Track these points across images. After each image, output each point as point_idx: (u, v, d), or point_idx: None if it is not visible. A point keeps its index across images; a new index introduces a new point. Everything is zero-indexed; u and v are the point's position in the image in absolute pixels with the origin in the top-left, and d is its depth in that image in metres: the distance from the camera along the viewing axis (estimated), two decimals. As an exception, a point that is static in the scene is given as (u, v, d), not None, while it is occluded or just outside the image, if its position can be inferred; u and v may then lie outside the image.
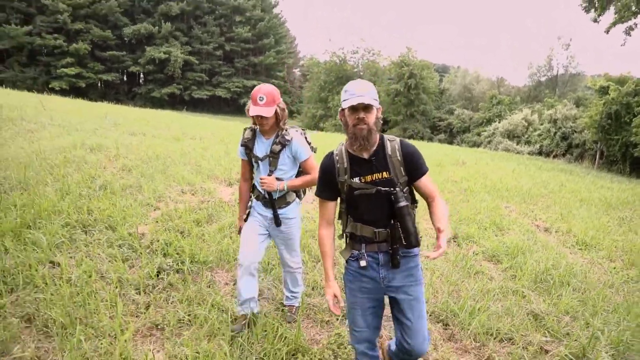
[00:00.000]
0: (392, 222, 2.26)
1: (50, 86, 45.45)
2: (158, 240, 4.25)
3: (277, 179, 3.05)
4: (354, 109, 2.19)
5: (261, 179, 3.03)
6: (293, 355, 2.80)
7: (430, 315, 3.55)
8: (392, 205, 2.23)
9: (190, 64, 56.02)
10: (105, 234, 4.24)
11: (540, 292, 4.16)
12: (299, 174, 3.18)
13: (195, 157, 8.33)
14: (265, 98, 2.89)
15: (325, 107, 47.46)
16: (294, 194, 3.23)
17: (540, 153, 32.26)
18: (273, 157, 3.05)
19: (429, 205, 2.35)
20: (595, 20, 23.20)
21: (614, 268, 5.25)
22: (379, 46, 79.77)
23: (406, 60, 44.42)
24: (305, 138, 3.19)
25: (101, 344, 2.61)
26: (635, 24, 22.73)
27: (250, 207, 3.25)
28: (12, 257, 3.48)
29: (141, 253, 3.97)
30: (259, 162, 3.09)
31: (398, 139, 2.35)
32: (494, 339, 3.28)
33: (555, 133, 32.11)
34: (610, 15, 22.88)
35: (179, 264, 3.84)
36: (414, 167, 2.30)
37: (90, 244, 4.01)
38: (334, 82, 48.33)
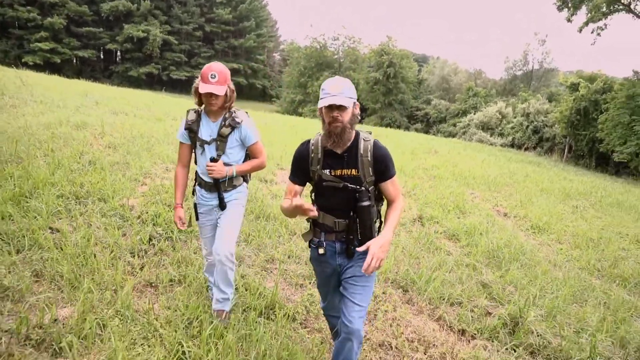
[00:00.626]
0: (352, 214, 2.41)
1: (23, 60, 44.22)
2: (147, 212, 4.60)
3: (225, 164, 2.95)
4: (329, 107, 2.31)
5: (208, 165, 2.90)
6: (271, 309, 3.24)
7: (392, 283, 4.03)
8: (356, 201, 2.38)
9: (169, 44, 55.29)
10: (97, 205, 4.57)
11: (491, 266, 4.70)
12: (245, 158, 3.11)
13: (178, 137, 8.61)
14: (217, 76, 2.80)
15: (305, 92, 47.67)
16: (241, 178, 3.11)
17: (512, 145, 33.24)
18: (221, 140, 2.93)
19: (388, 205, 2.51)
20: (568, 20, 23.99)
21: (561, 249, 5.84)
22: (361, 35, 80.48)
23: (386, 49, 44.86)
24: None
25: (104, 295, 2.99)
26: (606, 25, 23.61)
27: (195, 203, 3.14)
28: (15, 222, 3.81)
29: (132, 222, 4.33)
30: (205, 145, 2.95)
31: (372, 140, 2.45)
32: (446, 302, 3.79)
33: (527, 126, 33.12)
34: (583, 14, 23.71)
35: (169, 232, 4.22)
36: (382, 170, 2.42)
37: (84, 213, 4.34)
38: (313, 67, 48.54)
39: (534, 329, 3.46)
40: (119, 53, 57.84)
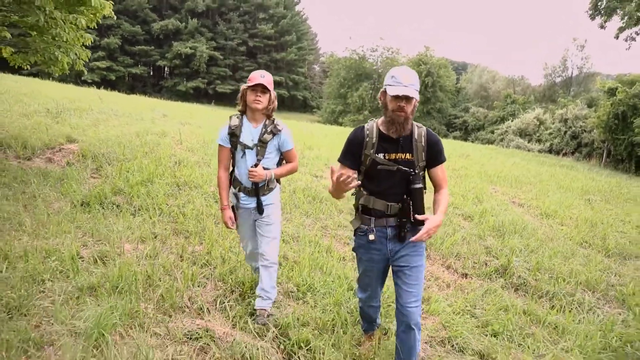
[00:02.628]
0: (405, 198, 2.50)
1: (82, 78, 47.93)
2: (230, 196, 6.15)
3: (264, 168, 3.14)
4: (397, 96, 2.36)
5: (250, 170, 3.07)
6: (328, 252, 4.66)
7: (415, 244, 5.38)
8: (408, 184, 2.48)
9: (214, 59, 58.19)
10: (194, 190, 6.15)
11: (494, 236, 5.95)
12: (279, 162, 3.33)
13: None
14: (266, 76, 3.07)
15: (345, 103, 49.09)
16: (275, 181, 3.31)
17: (550, 151, 33.45)
18: (261, 146, 3.12)
19: (436, 192, 2.62)
20: (601, 27, 24.48)
21: (562, 229, 6.99)
22: (401, 46, 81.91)
23: (424, 59, 45.86)
24: None
25: (218, 241, 4.50)
26: (642, 30, 23.93)
27: (233, 205, 3.31)
28: (145, 199, 5.41)
29: (222, 202, 5.87)
30: (246, 150, 3.12)
31: (425, 127, 2.57)
32: (454, 257, 5.10)
33: (565, 132, 33.25)
34: (618, 20, 24.11)
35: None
36: (435, 154, 2.56)
37: (187, 195, 5.92)
38: (353, 78, 49.93)
39: (519, 274, 4.74)
40: (167, 69, 61.30)
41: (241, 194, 3.22)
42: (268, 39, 61.71)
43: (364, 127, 2.58)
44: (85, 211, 4.88)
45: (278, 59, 62.27)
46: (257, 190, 3.17)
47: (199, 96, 55.35)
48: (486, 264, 5.03)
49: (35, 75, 30.23)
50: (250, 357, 2.61)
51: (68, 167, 6.69)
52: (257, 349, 2.67)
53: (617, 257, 5.88)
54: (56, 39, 5.78)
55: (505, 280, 4.65)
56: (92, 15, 6.52)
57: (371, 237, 2.54)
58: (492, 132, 40.36)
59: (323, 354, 2.74)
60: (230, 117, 3.22)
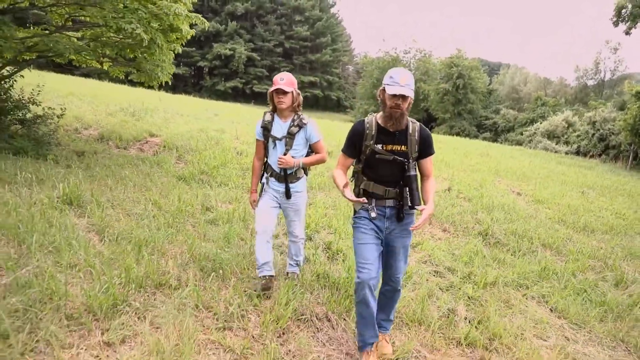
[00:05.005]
0: (402, 183, 2.79)
1: (129, 78, 51.02)
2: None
3: (292, 157, 3.54)
4: (394, 95, 2.60)
5: (279, 158, 3.49)
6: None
7: (421, 214, 7.17)
8: (403, 172, 2.76)
9: (252, 60, 60.77)
10: (255, 173, 8.11)
11: (485, 212, 7.68)
12: (307, 154, 3.70)
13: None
14: (285, 79, 3.43)
15: (377, 103, 50.23)
16: (303, 171, 3.71)
17: (577, 153, 34.00)
18: (289, 137, 3.51)
19: (423, 181, 2.90)
20: (627, 33, 25.36)
21: (546, 212, 8.63)
22: (435, 48, 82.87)
23: (455, 61, 47.00)
24: None
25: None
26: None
27: (263, 183, 3.74)
28: (223, 178, 7.40)
29: (277, 182, 7.83)
30: (277, 142, 3.53)
31: (418, 123, 2.85)
32: (450, 223, 6.88)
33: (593, 134, 33.74)
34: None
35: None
36: (426, 147, 2.85)
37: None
38: (386, 80, 51.36)
39: (495, 235, 6.50)
40: (207, 69, 64.22)
41: (272, 179, 3.67)
42: (304, 41, 64.01)
43: (364, 120, 2.91)
44: (185, 183, 6.91)
45: (313, 60, 64.49)
46: (286, 177, 3.61)
47: (236, 96, 58.01)
48: (473, 228, 6.80)
49: (87, 75, 33.15)
50: (310, 257, 4.54)
51: (158, 155, 8.78)
52: (313, 254, 4.60)
53: (584, 231, 7.52)
54: (160, 62, 7.88)
55: (483, 239, 6.42)
56: (179, 39, 8.58)
57: (373, 214, 2.84)
58: (521, 134, 41.10)
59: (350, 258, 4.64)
60: (265, 113, 3.67)
